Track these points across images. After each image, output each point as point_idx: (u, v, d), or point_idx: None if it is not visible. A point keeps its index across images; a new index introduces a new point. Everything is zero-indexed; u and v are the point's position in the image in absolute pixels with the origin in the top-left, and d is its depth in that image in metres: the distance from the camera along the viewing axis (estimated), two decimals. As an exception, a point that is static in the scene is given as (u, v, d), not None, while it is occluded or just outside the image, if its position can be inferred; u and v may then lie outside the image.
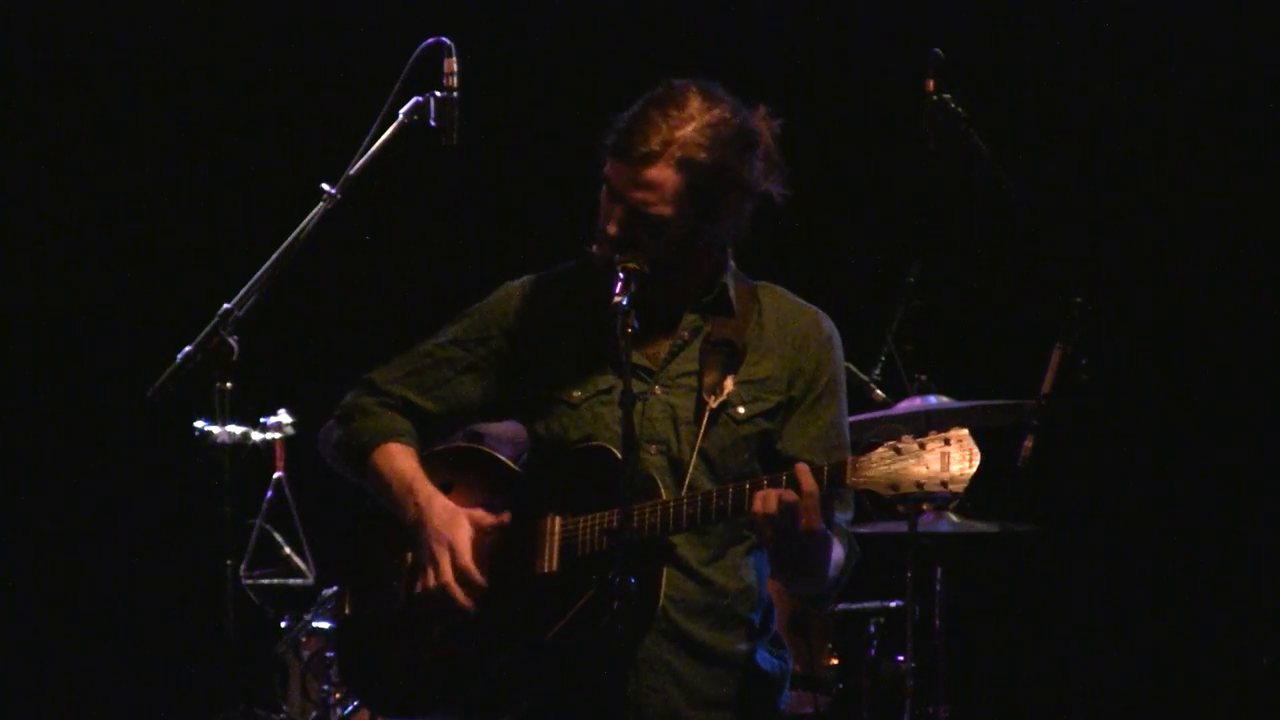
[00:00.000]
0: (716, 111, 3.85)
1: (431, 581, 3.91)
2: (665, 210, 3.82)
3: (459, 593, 3.88)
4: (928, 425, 5.84)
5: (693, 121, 3.82)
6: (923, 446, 3.65)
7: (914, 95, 4.91)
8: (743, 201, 3.91)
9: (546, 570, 3.86)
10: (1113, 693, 7.25)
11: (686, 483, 3.86)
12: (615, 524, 3.74)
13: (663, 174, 3.81)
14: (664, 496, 3.81)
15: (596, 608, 3.74)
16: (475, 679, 3.89)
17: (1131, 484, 7.17)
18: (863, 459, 3.69)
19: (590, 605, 3.77)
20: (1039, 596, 7.28)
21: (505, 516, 3.93)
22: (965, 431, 3.64)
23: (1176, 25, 7.07)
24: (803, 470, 3.69)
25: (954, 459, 3.63)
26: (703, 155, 3.81)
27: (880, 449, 3.68)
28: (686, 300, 3.98)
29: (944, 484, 3.64)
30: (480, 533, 3.91)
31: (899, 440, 3.67)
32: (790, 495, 3.67)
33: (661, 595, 3.80)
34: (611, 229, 3.84)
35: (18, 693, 7.31)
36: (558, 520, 3.88)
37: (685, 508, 3.77)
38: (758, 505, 3.69)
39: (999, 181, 4.89)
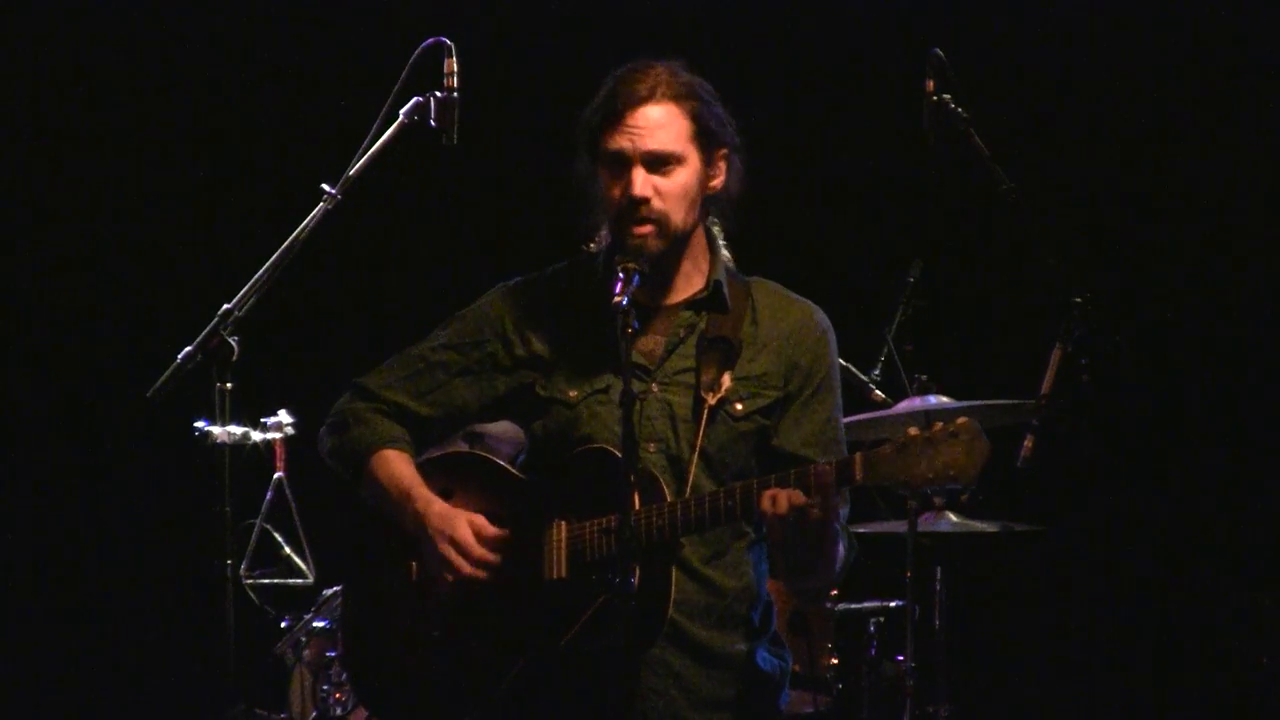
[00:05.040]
0: (675, 66, 3.95)
1: (446, 579, 3.90)
2: (678, 147, 3.87)
3: (477, 571, 3.87)
4: (929, 422, 5.88)
5: (665, 72, 3.92)
6: (929, 440, 3.64)
7: (914, 95, 4.91)
8: (731, 153, 3.95)
9: (555, 576, 3.86)
10: (1113, 693, 7.25)
11: (690, 482, 3.86)
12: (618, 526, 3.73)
13: (665, 109, 3.88)
14: (668, 497, 3.80)
15: (609, 613, 3.73)
16: (490, 688, 3.88)
17: (1132, 484, 7.16)
18: (871, 455, 3.68)
19: (602, 611, 3.76)
20: (1039, 596, 7.28)
21: (506, 530, 3.92)
22: (971, 421, 3.64)
23: (1177, 25, 7.07)
24: (814, 470, 3.69)
25: (961, 450, 3.62)
26: (690, 92, 3.91)
27: (887, 445, 3.67)
28: (681, 297, 3.98)
29: (954, 476, 3.64)
30: (482, 538, 3.91)
31: (905, 435, 3.66)
32: (799, 496, 3.67)
33: (672, 599, 3.79)
34: (635, 189, 3.85)
35: (18, 693, 7.30)
36: (563, 525, 3.87)
37: (693, 510, 3.76)
38: (766, 506, 3.69)
39: (999, 181, 4.88)
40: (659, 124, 3.87)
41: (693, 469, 3.87)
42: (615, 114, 3.87)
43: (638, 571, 3.67)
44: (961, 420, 3.64)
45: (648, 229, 3.87)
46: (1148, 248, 7.18)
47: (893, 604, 6.22)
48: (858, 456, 3.70)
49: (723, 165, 3.95)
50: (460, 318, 4.08)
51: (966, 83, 4.89)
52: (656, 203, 3.87)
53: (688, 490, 3.85)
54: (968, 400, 5.92)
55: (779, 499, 3.68)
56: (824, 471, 3.69)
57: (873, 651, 6.17)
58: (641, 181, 3.86)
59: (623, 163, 3.87)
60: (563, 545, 3.86)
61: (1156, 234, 7.17)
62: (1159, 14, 7.07)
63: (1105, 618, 7.24)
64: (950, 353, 6.71)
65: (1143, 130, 7.16)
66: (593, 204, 3.99)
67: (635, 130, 3.87)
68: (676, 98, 3.88)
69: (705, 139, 3.91)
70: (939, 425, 3.65)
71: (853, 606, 6.20)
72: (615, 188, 3.89)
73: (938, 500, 6.06)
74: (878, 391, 6.25)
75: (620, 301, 3.74)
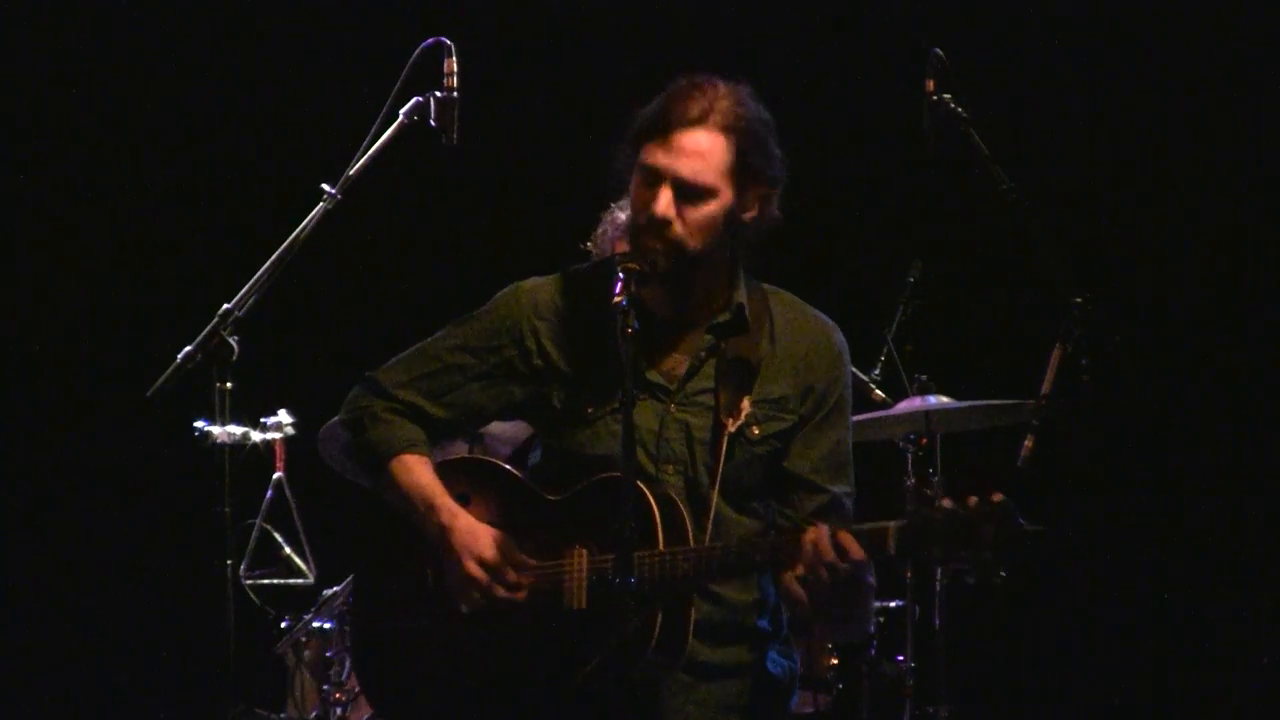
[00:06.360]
0: (742, 92, 3.87)
1: (472, 597, 3.86)
2: (713, 180, 3.81)
3: (507, 595, 3.84)
4: (928, 426, 5.89)
5: (727, 97, 3.84)
6: (965, 520, 3.57)
7: (914, 95, 4.91)
8: (771, 190, 3.90)
9: (575, 607, 3.81)
10: (1113, 692, 7.25)
11: (712, 508, 3.82)
12: (652, 562, 3.70)
13: (710, 139, 3.81)
14: (689, 530, 3.76)
15: (628, 649, 3.67)
16: (504, 708, 3.87)
17: (1132, 483, 7.16)
18: (904, 530, 3.63)
19: (620, 647, 3.69)
20: (1039, 596, 7.27)
21: (529, 554, 3.87)
22: (1006, 501, 3.56)
23: (1176, 25, 7.07)
24: (847, 540, 3.64)
25: (997, 533, 3.55)
26: (743, 124, 3.83)
27: (920, 515, 3.61)
28: (702, 317, 3.94)
29: (987, 562, 3.57)
30: (511, 562, 3.85)
31: (937, 506, 3.60)
32: (833, 557, 3.64)
33: (690, 634, 3.75)
34: (658, 208, 3.79)
35: (18, 693, 7.30)
36: (584, 554, 3.82)
37: (718, 558, 3.73)
38: (808, 559, 3.66)
39: (999, 181, 4.88)
40: (699, 152, 3.80)
41: (714, 495, 3.83)
42: (662, 129, 3.81)
43: (657, 618, 3.65)
44: (997, 498, 3.56)
45: (660, 246, 3.81)
46: (1148, 248, 7.18)
47: (893, 604, 6.22)
48: (890, 531, 3.63)
49: (758, 202, 3.89)
50: (476, 318, 4.01)
51: (966, 83, 4.89)
52: (677, 227, 3.80)
53: (709, 515, 3.82)
54: (968, 400, 5.93)
55: (824, 549, 3.64)
56: (857, 537, 3.65)
57: (873, 651, 6.17)
58: (666, 203, 3.79)
59: (655, 179, 3.81)
60: (583, 576, 3.81)
61: (1156, 234, 7.17)
62: (1159, 14, 7.07)
63: (1105, 618, 7.24)
64: (950, 353, 6.71)
65: (1142, 130, 7.16)
66: (620, 194, 3.94)
67: (675, 151, 3.80)
68: (726, 128, 3.81)
69: (744, 175, 3.83)
70: (974, 500, 3.57)
71: (853, 607, 6.19)
72: (643, 198, 3.83)
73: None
74: (878, 391, 6.25)
75: (620, 301, 3.70)
